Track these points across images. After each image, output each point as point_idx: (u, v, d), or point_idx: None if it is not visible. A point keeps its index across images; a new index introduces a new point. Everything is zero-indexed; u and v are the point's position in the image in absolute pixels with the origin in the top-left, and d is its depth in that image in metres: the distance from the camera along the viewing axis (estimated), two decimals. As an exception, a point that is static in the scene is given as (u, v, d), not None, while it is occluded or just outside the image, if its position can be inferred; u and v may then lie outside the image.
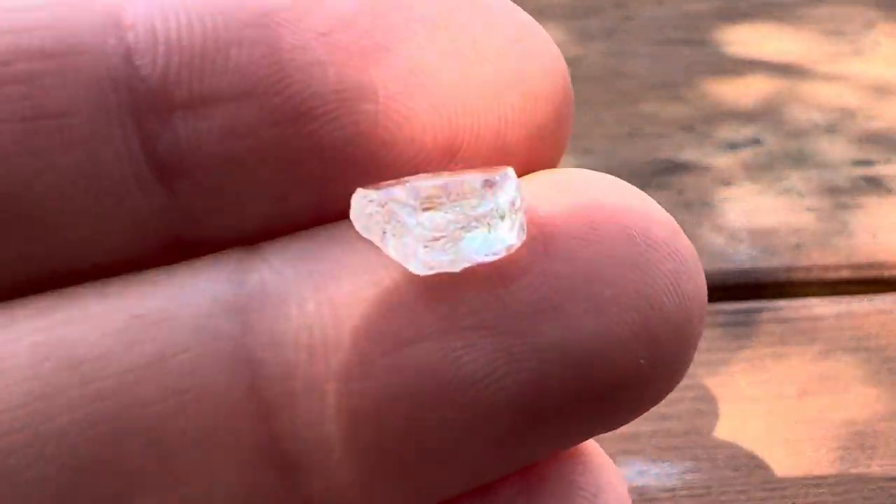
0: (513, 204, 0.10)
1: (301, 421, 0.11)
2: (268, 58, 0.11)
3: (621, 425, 0.12)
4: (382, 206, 0.11)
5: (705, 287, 0.11)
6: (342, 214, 0.11)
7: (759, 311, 0.31)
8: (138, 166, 0.11)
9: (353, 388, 0.11)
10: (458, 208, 0.10)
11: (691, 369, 0.28)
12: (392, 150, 0.11)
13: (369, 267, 0.11)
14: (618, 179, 0.12)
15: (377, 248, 0.11)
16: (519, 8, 0.12)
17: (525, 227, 0.11)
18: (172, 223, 0.11)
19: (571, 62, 0.44)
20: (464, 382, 0.11)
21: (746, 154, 0.40)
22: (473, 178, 0.11)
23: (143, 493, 0.10)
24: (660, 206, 0.12)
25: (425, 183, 0.11)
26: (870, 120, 0.43)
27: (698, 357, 0.28)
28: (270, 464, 0.11)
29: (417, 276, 0.11)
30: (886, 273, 0.33)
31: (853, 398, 0.27)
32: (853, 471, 0.25)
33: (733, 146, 0.41)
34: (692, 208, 0.36)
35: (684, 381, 0.27)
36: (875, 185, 0.38)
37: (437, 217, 0.10)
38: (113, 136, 0.11)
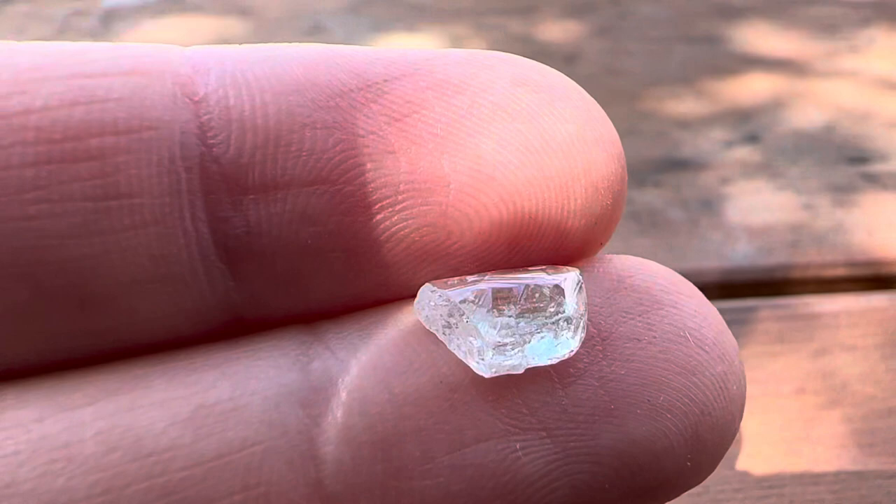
0: (578, 308, 0.11)
1: None
2: (342, 144, 0.10)
3: None
4: (449, 305, 0.10)
5: (745, 385, 0.12)
6: (400, 296, 0.11)
7: (757, 309, 0.31)
8: (206, 249, 0.11)
9: (415, 485, 0.11)
10: (528, 315, 0.10)
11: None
12: (458, 241, 0.11)
13: (433, 363, 0.11)
14: (671, 272, 0.12)
15: (438, 341, 0.11)
16: (581, 89, 0.12)
17: (586, 328, 0.11)
18: (236, 306, 0.11)
19: (568, 60, 0.44)
20: (522, 483, 0.11)
21: (744, 152, 0.40)
22: (542, 281, 0.10)
23: None
24: (708, 301, 0.12)
25: (496, 285, 0.10)
26: (866, 117, 0.43)
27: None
28: None
29: (481, 376, 0.11)
30: (883, 271, 0.33)
31: (850, 396, 0.27)
32: (850, 468, 0.25)
33: (730, 144, 0.41)
34: (689, 206, 0.36)
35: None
36: (871, 182, 0.38)
37: (508, 323, 0.10)
38: (183, 218, 0.10)
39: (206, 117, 0.10)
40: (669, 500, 0.12)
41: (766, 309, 0.30)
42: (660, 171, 0.39)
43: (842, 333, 0.29)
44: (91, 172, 0.10)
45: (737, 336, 0.29)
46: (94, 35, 0.51)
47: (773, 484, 0.24)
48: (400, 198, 0.11)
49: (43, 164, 0.10)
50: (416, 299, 0.11)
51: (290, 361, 0.11)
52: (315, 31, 0.52)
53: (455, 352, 0.11)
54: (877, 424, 0.26)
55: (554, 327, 0.10)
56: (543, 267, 0.11)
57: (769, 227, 0.35)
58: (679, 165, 0.39)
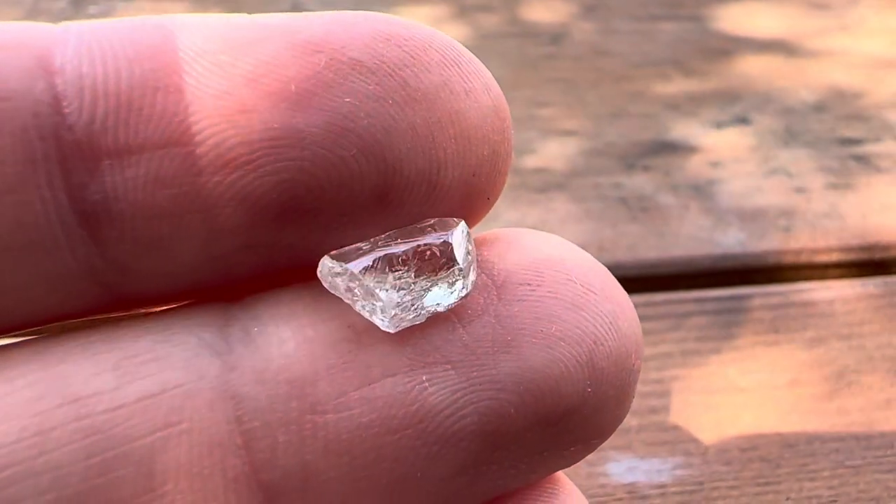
0: (467, 256, 0.12)
1: (280, 451, 0.11)
2: (192, 105, 0.11)
3: (576, 460, 0.13)
4: (348, 273, 0.11)
5: (640, 329, 0.13)
6: (270, 258, 0.12)
7: (750, 297, 0.30)
8: (65, 215, 0.11)
9: (329, 419, 0.11)
10: (422, 275, 0.11)
11: (681, 359, 0.27)
12: (321, 196, 0.11)
13: (341, 313, 0.12)
14: (560, 238, 0.13)
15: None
16: (454, 42, 0.12)
17: (476, 272, 0.12)
18: (106, 275, 0.12)
19: (553, 40, 0.42)
20: (430, 413, 0.12)
21: (734, 133, 0.39)
22: (431, 239, 0.11)
23: None
24: (594, 259, 0.13)
25: (390, 251, 0.11)
26: (858, 97, 0.42)
27: (688, 346, 0.27)
28: (252, 493, 0.11)
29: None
30: (877, 256, 0.32)
31: (847, 387, 0.26)
32: (848, 463, 0.24)
33: (720, 125, 0.40)
34: (679, 191, 0.35)
35: (674, 372, 0.27)
36: (864, 163, 0.37)
37: (404, 285, 0.11)
38: (39, 186, 0.11)
39: (61, 87, 0.11)
40: (585, 442, 0.13)
41: (759, 297, 0.30)
42: (649, 154, 0.38)
43: (837, 322, 0.29)
44: None
45: (730, 326, 0.28)
46: (66, 18, 0.49)
47: (770, 480, 0.23)
48: (255, 156, 0.11)
49: None
50: (318, 269, 0.12)
51: (210, 319, 0.12)
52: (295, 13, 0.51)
53: (360, 312, 0.12)
54: (874, 416, 0.25)
55: (447, 279, 0.12)
56: (431, 222, 0.12)
57: (761, 212, 0.34)
58: (668, 148, 0.38)
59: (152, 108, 0.11)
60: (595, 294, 0.12)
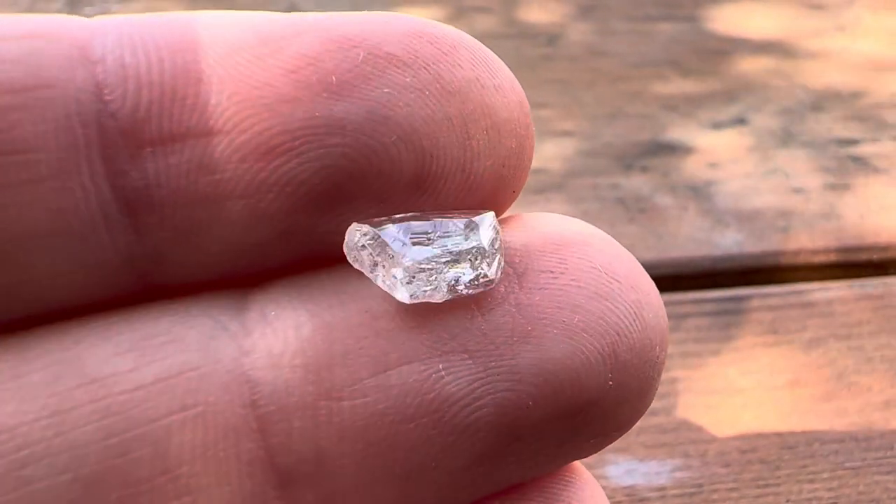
0: (493, 243, 0.11)
1: (295, 436, 0.11)
2: (236, 95, 0.11)
3: (594, 451, 0.13)
4: (374, 240, 0.11)
5: (666, 318, 0.12)
6: (308, 245, 0.12)
7: (748, 298, 0.30)
8: (106, 203, 0.11)
9: (344, 405, 0.11)
10: (444, 245, 0.11)
11: (680, 360, 0.27)
12: (361, 182, 0.11)
13: (360, 297, 0.12)
14: (584, 222, 0.12)
15: (368, 281, 0.11)
16: (477, 42, 0.12)
17: (503, 264, 0.12)
18: (142, 263, 0.12)
19: (550, 41, 0.42)
20: (446, 402, 0.11)
21: (732, 134, 0.39)
22: (458, 218, 0.11)
23: (149, 503, 0.11)
24: (620, 245, 0.12)
25: (416, 222, 0.11)
26: (855, 97, 0.42)
27: (687, 348, 0.27)
28: (266, 476, 0.11)
29: (404, 305, 0.11)
30: (875, 256, 0.32)
31: (846, 387, 0.26)
32: (848, 464, 0.24)
33: (718, 126, 0.40)
34: (677, 192, 0.35)
35: (672, 374, 0.26)
36: (861, 164, 0.37)
37: (424, 251, 0.11)
38: (81, 173, 0.11)
39: (102, 76, 0.11)
40: (604, 435, 0.12)
41: (758, 298, 0.30)
42: (646, 155, 0.38)
43: (835, 322, 0.29)
44: None
45: (729, 327, 0.28)
46: (61, 20, 0.49)
47: (769, 482, 0.23)
48: (296, 143, 0.11)
49: None
50: (346, 240, 0.12)
51: (228, 302, 0.12)
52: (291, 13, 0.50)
53: (381, 286, 0.11)
54: (873, 417, 0.25)
55: (469, 258, 0.11)
56: (461, 211, 0.12)
57: (759, 213, 0.34)
58: (666, 149, 0.38)
59: (196, 98, 0.11)
60: (619, 282, 0.12)
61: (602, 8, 0.50)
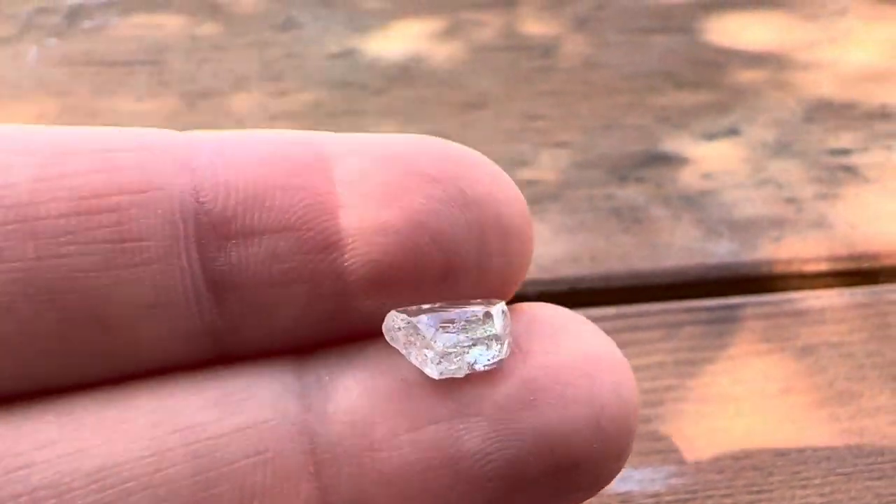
0: (504, 328, 0.14)
1: (344, 479, 0.14)
2: (304, 200, 0.14)
3: (582, 501, 0.15)
4: (409, 325, 0.14)
5: (638, 395, 0.15)
6: (353, 321, 0.15)
7: (742, 306, 0.30)
8: (197, 282, 0.14)
9: (384, 456, 0.14)
10: (466, 332, 0.14)
11: (674, 368, 0.27)
12: (398, 274, 0.14)
13: (397, 368, 0.14)
14: (574, 314, 0.15)
15: (402, 356, 0.14)
16: (490, 162, 0.15)
17: (510, 347, 0.14)
18: (220, 334, 0.14)
19: (546, 53, 0.43)
20: (464, 456, 0.14)
21: (725, 145, 0.39)
22: (477, 309, 0.14)
23: None
24: (600, 330, 0.15)
25: (444, 312, 0.14)
26: (846, 108, 0.42)
27: (680, 356, 0.28)
28: None
29: (432, 377, 0.14)
30: (866, 265, 0.33)
31: (837, 395, 0.27)
32: (840, 470, 0.24)
33: (712, 137, 0.40)
34: (671, 202, 0.36)
35: (667, 382, 0.27)
36: (853, 174, 0.38)
37: (451, 338, 0.14)
38: (180, 258, 0.14)
39: (199, 182, 0.14)
40: (589, 489, 0.15)
41: (751, 307, 0.30)
42: (641, 166, 0.38)
43: (827, 330, 0.29)
44: (110, 221, 0.13)
45: (722, 335, 0.28)
46: (61, 34, 0.50)
47: (763, 488, 0.24)
48: (349, 241, 0.14)
49: (74, 215, 0.13)
50: (384, 323, 0.14)
51: (289, 369, 0.15)
52: (288, 27, 0.51)
53: (413, 362, 0.14)
54: (864, 424, 0.26)
55: (486, 342, 0.14)
56: (479, 300, 0.15)
57: (752, 222, 0.35)
58: (660, 160, 0.38)
59: (273, 202, 0.14)
60: (603, 365, 0.14)
61: (597, 20, 0.50)
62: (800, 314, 0.30)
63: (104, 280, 0.13)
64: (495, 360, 0.14)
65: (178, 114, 0.43)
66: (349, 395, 0.14)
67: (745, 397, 0.26)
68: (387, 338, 0.14)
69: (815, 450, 0.25)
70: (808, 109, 0.42)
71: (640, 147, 0.39)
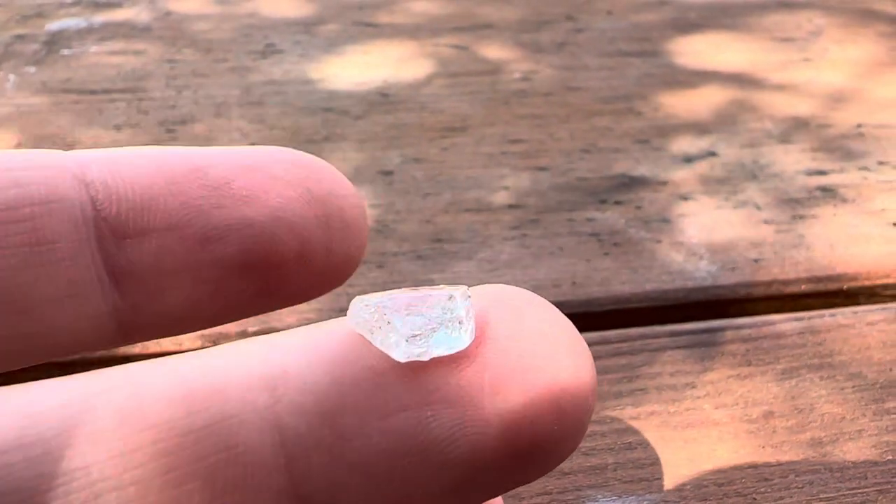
0: (468, 312, 0.15)
1: (314, 470, 0.15)
2: (184, 205, 0.17)
3: (538, 478, 0.16)
4: (375, 311, 0.15)
5: (595, 374, 0.16)
6: (244, 302, 0.17)
7: (722, 330, 0.30)
8: (101, 274, 0.16)
9: (353, 445, 0.15)
10: (431, 316, 0.15)
11: (656, 394, 0.27)
12: (265, 257, 0.17)
13: (363, 356, 0.15)
14: (534, 295, 0.16)
15: (366, 342, 0.15)
16: (325, 163, 0.18)
17: (474, 330, 0.15)
18: (123, 315, 0.17)
19: (524, 77, 0.43)
20: (431, 443, 0.15)
21: (703, 167, 0.40)
22: (440, 293, 0.15)
23: None
24: (559, 311, 0.16)
25: (408, 295, 0.15)
26: (822, 128, 0.43)
27: (663, 381, 0.28)
28: (291, 501, 0.15)
29: (398, 362, 0.15)
30: (845, 286, 0.33)
31: (819, 418, 0.27)
32: (823, 495, 0.24)
33: (689, 159, 0.40)
34: (650, 225, 0.36)
35: (649, 408, 0.27)
36: (830, 194, 0.38)
37: (417, 321, 0.15)
38: (86, 255, 0.16)
39: (94, 194, 0.16)
40: (547, 467, 0.16)
41: (731, 330, 0.30)
42: (619, 189, 0.38)
43: (808, 353, 0.29)
44: (25, 228, 0.16)
45: (704, 359, 0.28)
46: (39, 62, 0.49)
47: (746, 515, 0.24)
48: (224, 233, 0.17)
49: None
50: (349, 309, 0.15)
51: (256, 360, 0.15)
52: (269, 53, 0.51)
53: (379, 347, 0.15)
54: (846, 447, 0.26)
55: (450, 325, 0.15)
56: (442, 286, 0.16)
57: (730, 244, 0.35)
58: (638, 182, 0.39)
59: (157, 206, 0.17)
60: (563, 347, 0.15)
61: (574, 44, 0.51)
62: (780, 336, 0.30)
63: (25, 277, 0.16)
64: (460, 343, 0.15)
65: (158, 141, 0.43)
66: (317, 386, 0.15)
67: (727, 422, 0.26)
68: (351, 324, 0.15)
69: (797, 475, 0.25)
70: (784, 130, 0.43)
71: (619, 170, 0.40)
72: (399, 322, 0.15)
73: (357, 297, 0.15)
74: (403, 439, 0.15)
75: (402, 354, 0.15)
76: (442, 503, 0.15)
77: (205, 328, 0.18)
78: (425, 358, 0.15)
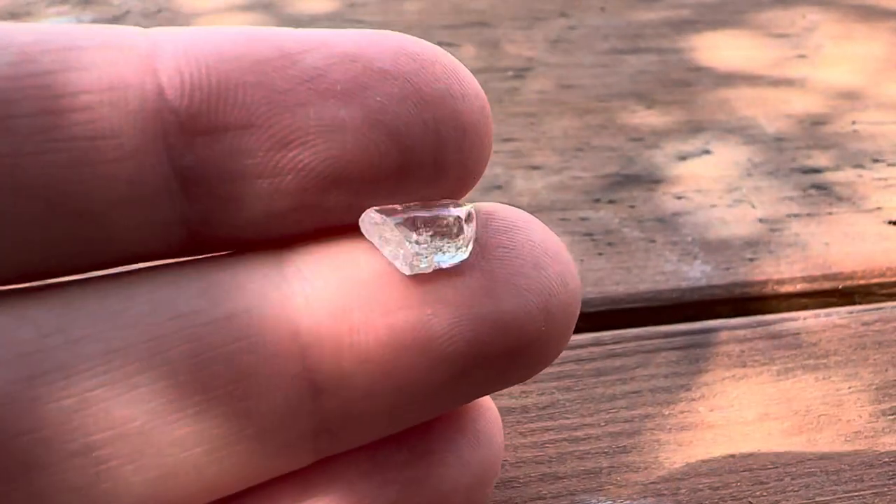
0: (472, 231, 0.16)
1: (326, 358, 0.15)
2: (266, 99, 0.15)
3: (529, 377, 0.18)
4: (384, 223, 0.15)
5: (580, 284, 0.17)
6: (313, 216, 0.16)
7: (717, 330, 0.30)
8: (167, 177, 0.15)
9: (361, 338, 0.15)
10: (437, 234, 0.16)
11: (650, 396, 0.27)
12: (356, 169, 0.15)
13: (371, 261, 0.16)
14: (527, 213, 0.17)
15: (376, 249, 0.16)
16: (451, 57, 0.16)
17: (474, 242, 0.16)
18: (191, 224, 0.15)
19: (517, 75, 0.43)
20: (431, 338, 0.16)
21: (697, 165, 0.39)
22: (448, 213, 0.16)
23: (218, 403, 0.15)
24: (547, 227, 0.17)
25: (418, 214, 0.16)
26: (817, 126, 0.43)
27: (657, 383, 0.27)
28: (304, 387, 0.15)
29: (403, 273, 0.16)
30: (840, 285, 0.33)
31: (814, 419, 0.26)
32: (819, 498, 0.24)
33: (684, 157, 0.40)
34: (645, 224, 0.35)
35: (643, 410, 0.26)
36: (825, 193, 0.38)
37: (424, 238, 0.15)
38: (150, 153, 0.14)
39: (164, 80, 0.14)
40: (536, 366, 0.17)
41: (726, 330, 0.30)
42: (614, 187, 0.38)
43: (803, 353, 0.29)
44: (83, 118, 0.14)
45: (699, 360, 0.28)
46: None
47: (741, 519, 0.23)
48: (309, 137, 0.15)
49: (45, 115, 0.13)
50: (361, 218, 0.16)
51: (269, 262, 0.16)
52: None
53: (387, 257, 0.16)
54: (843, 449, 0.25)
55: (454, 243, 0.16)
56: (447, 202, 0.16)
57: (725, 243, 0.34)
58: (633, 181, 0.38)
59: (235, 99, 0.14)
60: (551, 258, 0.16)
61: (569, 41, 0.50)
62: (775, 337, 0.30)
63: (81, 175, 0.14)
64: (461, 259, 0.16)
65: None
66: (327, 284, 0.15)
67: (722, 425, 0.26)
68: (363, 231, 0.16)
69: (793, 477, 0.24)
70: (779, 128, 0.42)
71: (613, 168, 0.39)
72: (406, 238, 0.15)
73: (369, 209, 0.16)
74: (405, 334, 0.15)
75: (407, 268, 0.16)
76: (439, 395, 0.16)
77: (282, 250, 0.16)
78: (428, 271, 0.16)
